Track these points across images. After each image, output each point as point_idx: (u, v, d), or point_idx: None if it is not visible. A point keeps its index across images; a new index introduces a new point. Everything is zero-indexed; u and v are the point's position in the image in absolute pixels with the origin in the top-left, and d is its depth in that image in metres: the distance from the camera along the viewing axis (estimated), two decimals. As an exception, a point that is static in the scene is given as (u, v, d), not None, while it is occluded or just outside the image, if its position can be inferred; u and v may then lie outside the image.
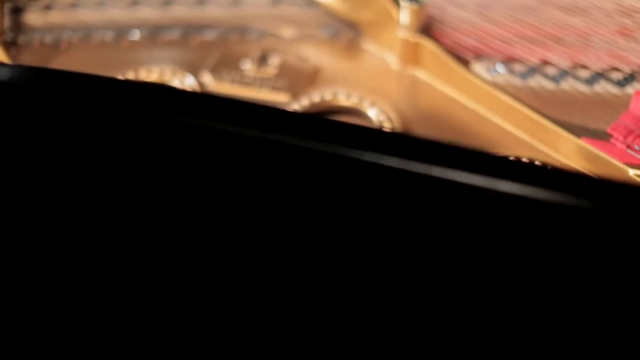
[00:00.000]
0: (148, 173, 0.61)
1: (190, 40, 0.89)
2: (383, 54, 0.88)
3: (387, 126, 0.79)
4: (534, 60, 0.84)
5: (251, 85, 0.83)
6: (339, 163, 0.57)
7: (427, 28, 0.86)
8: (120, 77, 0.83)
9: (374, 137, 0.59)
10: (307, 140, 0.57)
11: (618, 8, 0.87)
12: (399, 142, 0.59)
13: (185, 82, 0.83)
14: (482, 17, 0.89)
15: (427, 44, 0.84)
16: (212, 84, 0.83)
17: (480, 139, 0.80)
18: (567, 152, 0.77)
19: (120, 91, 0.61)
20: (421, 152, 0.56)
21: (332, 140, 0.57)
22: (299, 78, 0.84)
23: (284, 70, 0.85)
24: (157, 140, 0.60)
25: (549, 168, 0.71)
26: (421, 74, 0.85)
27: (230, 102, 0.61)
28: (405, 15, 0.84)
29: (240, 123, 0.57)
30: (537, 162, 0.76)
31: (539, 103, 0.80)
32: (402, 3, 0.83)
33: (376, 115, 0.80)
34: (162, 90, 0.61)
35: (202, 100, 0.61)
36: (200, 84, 0.83)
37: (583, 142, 0.76)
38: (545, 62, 0.84)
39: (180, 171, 0.60)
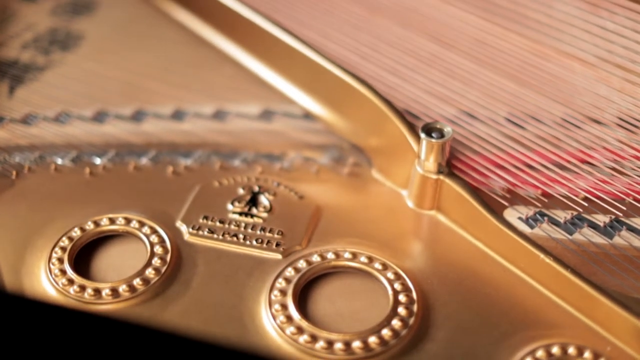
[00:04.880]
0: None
1: (163, 167, 0.74)
2: (396, 188, 0.73)
3: (403, 299, 0.64)
4: (574, 197, 0.70)
5: (235, 237, 0.68)
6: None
7: (451, 154, 0.71)
8: (77, 228, 0.68)
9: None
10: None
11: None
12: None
13: (155, 234, 0.68)
14: (509, 137, 0.75)
15: (451, 184, 0.69)
16: (188, 235, 0.68)
17: (515, 311, 0.65)
18: (622, 333, 0.62)
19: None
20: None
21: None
22: (295, 225, 0.69)
23: (277, 213, 0.70)
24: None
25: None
26: (443, 219, 0.70)
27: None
28: (424, 149, 0.68)
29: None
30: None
31: (587, 266, 0.65)
32: (422, 136, 0.68)
33: (388, 282, 0.65)
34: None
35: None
36: (173, 236, 0.68)
37: (644, 325, 0.62)
38: (590, 203, 0.69)
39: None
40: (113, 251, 0.69)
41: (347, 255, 0.67)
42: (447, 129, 0.68)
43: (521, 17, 0.87)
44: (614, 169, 0.73)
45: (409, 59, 0.83)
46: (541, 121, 0.77)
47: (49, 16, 0.94)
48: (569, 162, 0.73)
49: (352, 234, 0.69)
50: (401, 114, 0.72)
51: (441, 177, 0.69)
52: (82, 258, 0.68)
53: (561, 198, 0.70)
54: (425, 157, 0.69)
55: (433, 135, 0.68)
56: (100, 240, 0.69)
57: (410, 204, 0.71)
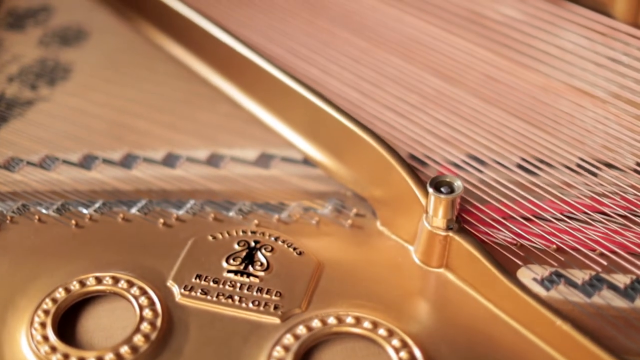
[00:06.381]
0: None
1: (154, 218, 0.70)
2: (402, 242, 0.68)
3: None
4: (592, 255, 0.65)
5: (230, 298, 0.64)
6: None
7: (460, 205, 0.67)
8: (62, 289, 0.64)
9: None
10: None
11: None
12: None
13: (144, 295, 0.63)
14: (519, 184, 0.71)
15: (461, 241, 0.64)
16: (179, 296, 0.64)
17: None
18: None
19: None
20: None
21: None
22: (294, 284, 0.65)
23: (275, 271, 0.66)
24: None
25: None
26: (453, 277, 0.66)
27: None
28: (432, 204, 0.64)
29: None
30: None
31: (605, 330, 0.61)
32: (430, 191, 0.64)
33: (394, 351, 0.61)
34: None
35: None
36: (164, 297, 0.64)
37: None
38: (610, 261, 0.65)
39: None
40: (100, 310, 0.64)
41: (349, 320, 0.62)
42: (457, 183, 0.64)
43: (530, 50, 0.83)
44: (628, 218, 0.69)
45: (412, 96, 0.79)
46: (553, 165, 0.73)
47: (36, 47, 0.89)
48: (585, 212, 0.69)
49: (355, 294, 0.65)
50: (407, 163, 0.68)
51: (450, 233, 0.65)
52: (68, 317, 0.63)
53: (578, 256, 0.66)
54: (433, 212, 0.64)
55: (442, 189, 0.64)
56: (87, 299, 0.65)
57: (417, 260, 0.67)
